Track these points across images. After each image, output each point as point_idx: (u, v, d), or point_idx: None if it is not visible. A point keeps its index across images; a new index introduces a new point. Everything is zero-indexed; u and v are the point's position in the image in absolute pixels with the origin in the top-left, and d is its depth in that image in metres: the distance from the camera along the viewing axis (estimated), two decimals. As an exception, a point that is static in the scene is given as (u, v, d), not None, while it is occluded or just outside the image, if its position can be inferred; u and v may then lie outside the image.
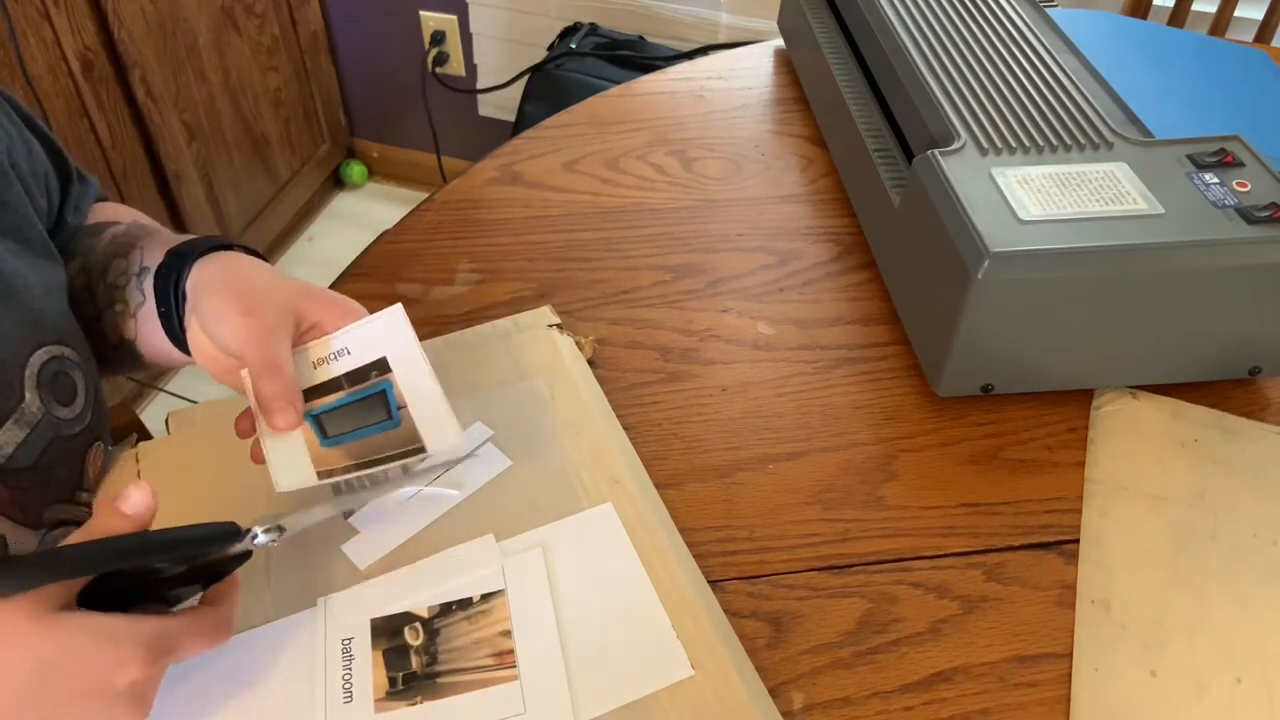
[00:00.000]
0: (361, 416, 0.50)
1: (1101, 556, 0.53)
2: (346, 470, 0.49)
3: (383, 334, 0.50)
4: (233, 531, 0.42)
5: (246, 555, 0.43)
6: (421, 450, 0.49)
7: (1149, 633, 0.49)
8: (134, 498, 0.41)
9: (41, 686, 0.36)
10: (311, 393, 0.50)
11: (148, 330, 0.55)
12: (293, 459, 0.49)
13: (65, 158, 0.61)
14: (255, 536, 0.42)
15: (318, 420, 0.50)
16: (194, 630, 0.41)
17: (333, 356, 0.50)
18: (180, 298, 0.52)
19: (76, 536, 0.39)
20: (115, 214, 0.63)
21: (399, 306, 0.50)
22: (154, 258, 0.54)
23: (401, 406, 0.50)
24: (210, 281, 0.50)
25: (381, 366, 0.50)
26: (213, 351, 0.50)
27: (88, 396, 0.54)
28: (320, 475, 0.48)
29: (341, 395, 0.50)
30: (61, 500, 0.52)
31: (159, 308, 0.52)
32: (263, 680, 0.46)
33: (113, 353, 0.59)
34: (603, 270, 0.71)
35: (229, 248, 0.53)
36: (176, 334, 0.53)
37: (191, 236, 0.55)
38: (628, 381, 0.62)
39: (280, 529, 0.43)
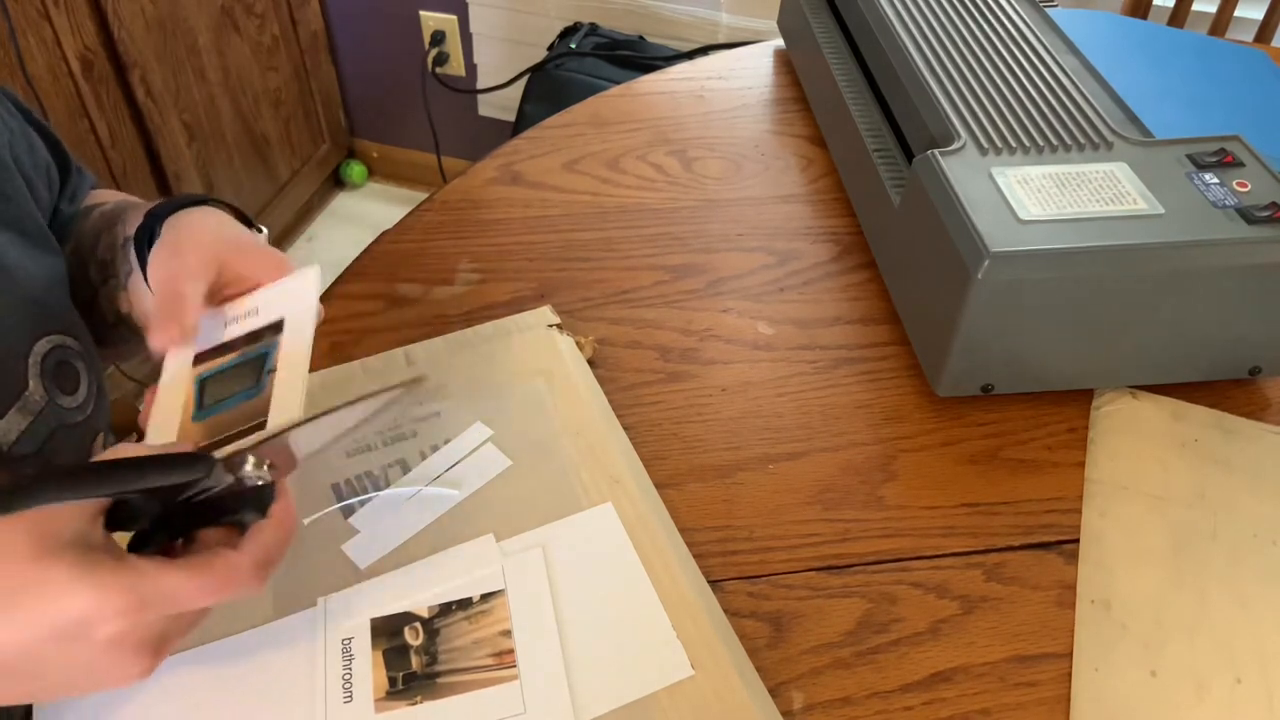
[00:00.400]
0: (235, 383, 0.46)
1: (1101, 556, 0.53)
2: (231, 437, 0.44)
3: (290, 295, 0.47)
4: (204, 461, 0.37)
5: (270, 486, 0.40)
6: (261, 425, 0.43)
7: (1149, 633, 0.49)
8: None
9: (16, 622, 0.34)
10: (213, 354, 0.47)
11: (138, 298, 0.53)
12: (165, 423, 0.45)
13: (65, 151, 0.62)
14: (246, 471, 0.38)
15: (202, 386, 0.46)
16: (203, 574, 0.37)
17: (244, 315, 0.48)
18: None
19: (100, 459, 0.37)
20: (105, 196, 0.64)
21: (314, 268, 0.47)
22: (135, 225, 0.53)
23: (272, 371, 0.45)
24: (164, 233, 0.50)
25: (278, 328, 0.46)
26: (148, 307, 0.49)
27: (90, 386, 0.54)
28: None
29: (232, 357, 0.47)
30: None
31: (141, 265, 0.50)
32: (263, 680, 0.46)
33: (111, 333, 0.59)
34: (603, 270, 0.71)
35: (205, 203, 0.52)
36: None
37: (170, 198, 0.54)
38: (628, 381, 0.62)
39: (271, 465, 0.39)
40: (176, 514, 0.39)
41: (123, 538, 0.39)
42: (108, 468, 0.36)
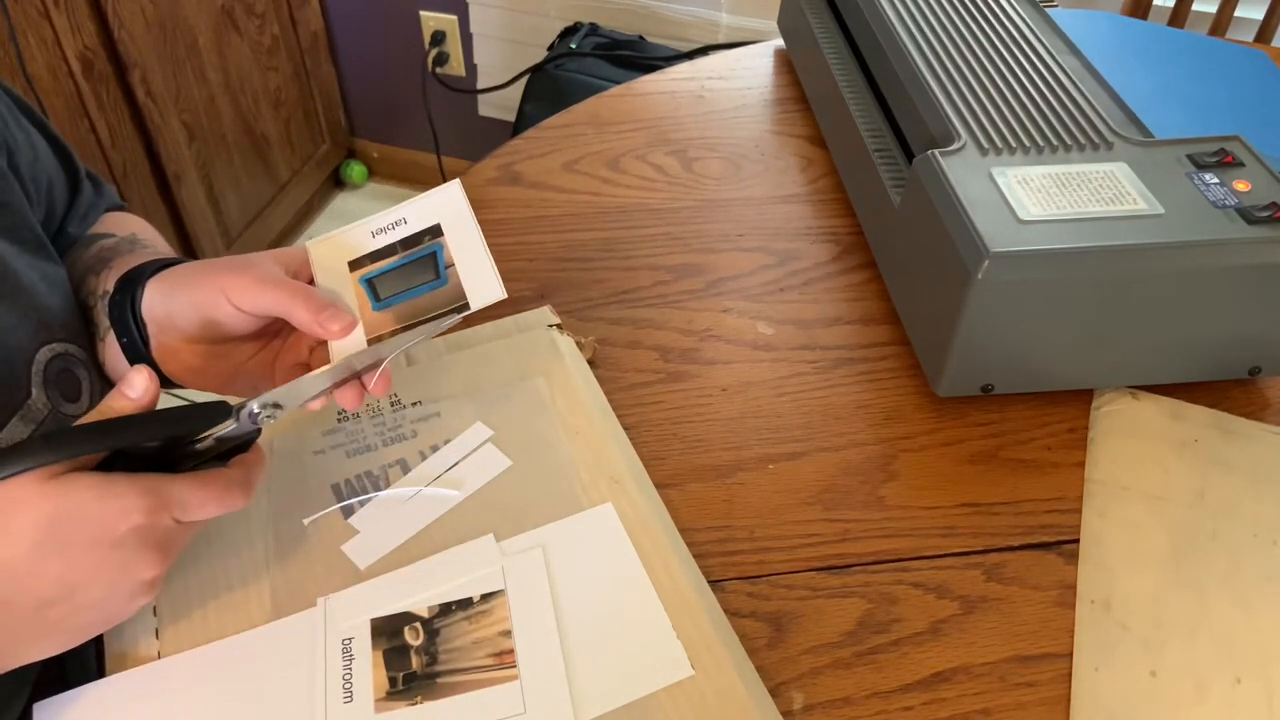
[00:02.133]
0: (412, 278, 0.51)
1: (1101, 556, 0.53)
2: (393, 333, 0.49)
3: (440, 204, 0.52)
4: (223, 409, 0.43)
5: (255, 434, 0.45)
6: (465, 306, 0.50)
7: (1149, 633, 0.49)
8: (137, 382, 0.42)
9: (51, 541, 0.39)
10: (367, 260, 0.52)
11: (114, 357, 0.54)
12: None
13: (76, 164, 0.61)
14: (252, 411, 0.43)
15: (371, 284, 0.51)
16: (201, 486, 0.42)
17: (390, 226, 0.52)
18: (140, 325, 0.51)
19: (87, 418, 0.42)
20: (120, 225, 0.62)
21: (458, 181, 0.53)
22: (116, 280, 0.53)
23: (450, 265, 0.51)
24: (173, 286, 0.50)
25: (435, 232, 0.52)
26: (191, 359, 0.51)
27: (93, 394, 0.54)
28: (369, 341, 0.49)
29: (396, 259, 0.52)
30: None
31: (119, 338, 0.52)
32: (263, 680, 0.46)
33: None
34: (603, 270, 0.71)
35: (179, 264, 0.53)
36: (142, 358, 0.52)
37: (146, 260, 0.54)
38: (628, 381, 0.62)
39: (277, 405, 0.44)
40: (160, 465, 0.44)
41: None
42: (144, 420, 0.42)
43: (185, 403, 0.43)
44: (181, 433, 0.43)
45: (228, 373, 0.52)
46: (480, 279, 0.50)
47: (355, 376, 0.49)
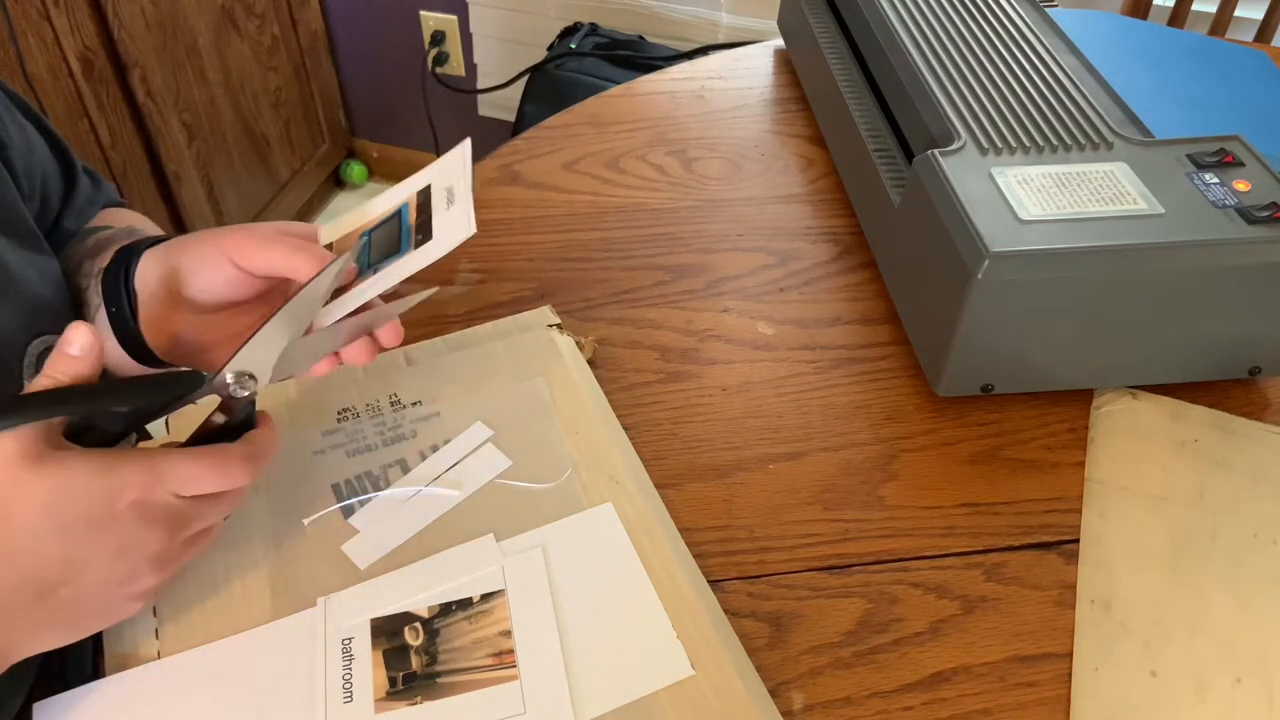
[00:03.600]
0: (392, 240, 0.49)
1: (1101, 556, 0.53)
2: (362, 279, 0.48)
3: (447, 164, 0.51)
4: (196, 378, 0.42)
5: (250, 409, 0.44)
6: (429, 242, 0.48)
7: (1149, 633, 0.49)
8: (77, 339, 0.40)
9: (50, 521, 0.38)
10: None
11: (103, 335, 0.53)
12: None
13: (72, 160, 0.61)
14: (225, 381, 0.42)
15: (370, 241, 0.50)
16: (201, 460, 0.41)
17: (405, 186, 0.52)
18: (131, 294, 0.50)
19: (34, 385, 0.40)
20: (118, 219, 0.62)
21: (467, 141, 0.51)
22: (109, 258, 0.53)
23: (424, 218, 0.49)
24: (169, 252, 0.50)
25: (426, 192, 0.50)
26: (179, 327, 0.49)
27: None
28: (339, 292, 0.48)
29: (377, 223, 0.51)
30: None
31: (108, 308, 0.50)
32: (262, 680, 0.46)
33: None
34: (603, 270, 0.71)
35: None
36: (129, 329, 0.51)
37: (146, 238, 0.53)
38: (628, 381, 0.62)
39: (251, 376, 0.43)
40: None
41: None
42: (113, 385, 0.40)
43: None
44: (150, 400, 0.41)
45: (214, 344, 0.51)
46: (455, 221, 0.48)
47: (361, 334, 0.48)
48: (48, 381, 0.40)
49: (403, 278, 0.48)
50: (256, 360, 0.43)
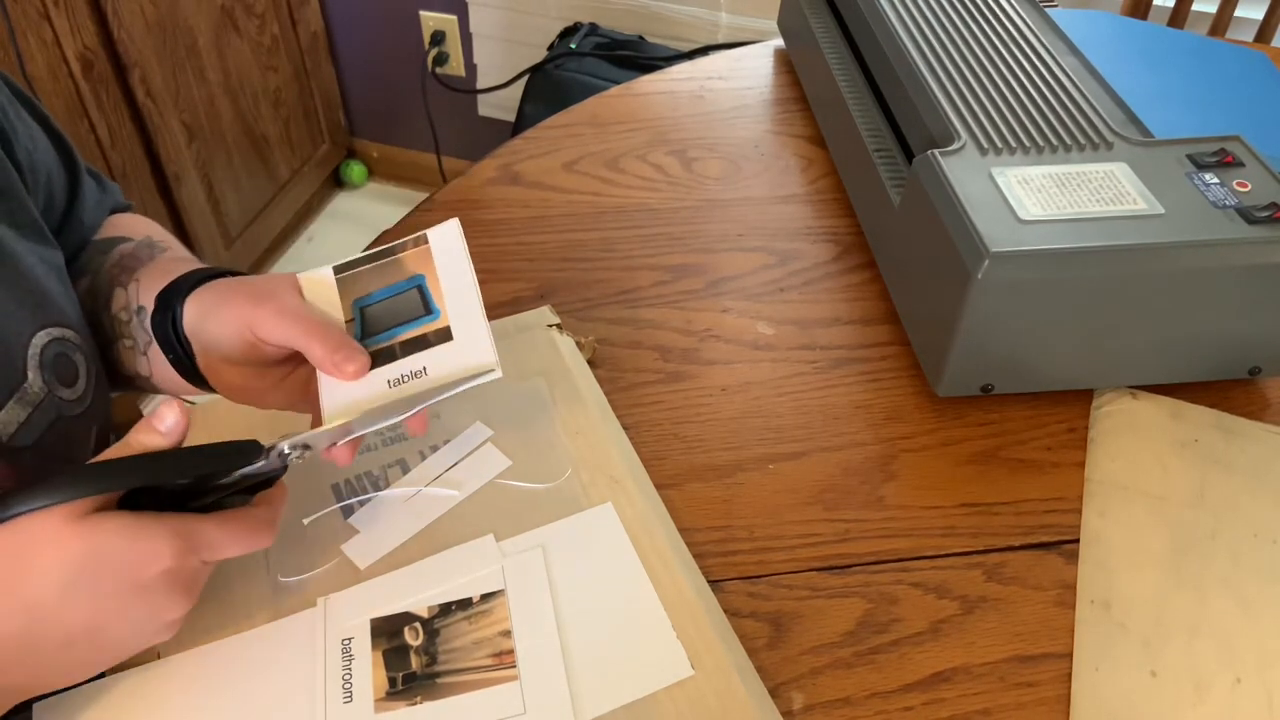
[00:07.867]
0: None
1: (1101, 556, 0.53)
2: (395, 403, 0.48)
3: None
4: (255, 448, 0.43)
5: (282, 471, 0.45)
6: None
7: (1149, 633, 0.49)
8: (167, 416, 0.42)
9: (79, 582, 0.39)
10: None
11: (161, 368, 0.55)
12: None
13: (75, 158, 0.61)
14: (282, 452, 0.43)
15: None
16: (229, 527, 0.42)
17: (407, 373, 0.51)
18: (184, 342, 0.52)
19: (112, 452, 0.41)
20: (130, 228, 0.63)
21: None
22: (149, 294, 0.54)
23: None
24: (204, 312, 0.51)
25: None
26: (232, 378, 0.51)
27: (89, 379, 0.54)
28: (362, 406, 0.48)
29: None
30: None
31: (166, 354, 0.52)
32: (263, 680, 0.46)
33: (127, 383, 0.60)
34: (603, 270, 0.71)
35: (211, 278, 0.53)
36: (191, 373, 0.53)
37: (178, 273, 0.54)
38: (628, 381, 0.62)
39: (306, 446, 0.44)
40: (183, 497, 0.43)
41: None
42: (177, 458, 0.41)
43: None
44: (212, 470, 0.42)
45: (265, 390, 0.52)
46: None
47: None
48: (124, 451, 0.41)
49: (435, 399, 0.48)
50: (312, 437, 0.45)
